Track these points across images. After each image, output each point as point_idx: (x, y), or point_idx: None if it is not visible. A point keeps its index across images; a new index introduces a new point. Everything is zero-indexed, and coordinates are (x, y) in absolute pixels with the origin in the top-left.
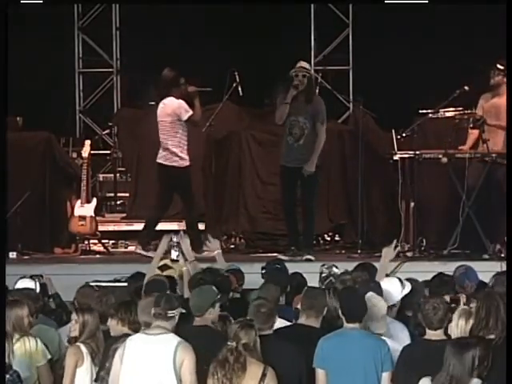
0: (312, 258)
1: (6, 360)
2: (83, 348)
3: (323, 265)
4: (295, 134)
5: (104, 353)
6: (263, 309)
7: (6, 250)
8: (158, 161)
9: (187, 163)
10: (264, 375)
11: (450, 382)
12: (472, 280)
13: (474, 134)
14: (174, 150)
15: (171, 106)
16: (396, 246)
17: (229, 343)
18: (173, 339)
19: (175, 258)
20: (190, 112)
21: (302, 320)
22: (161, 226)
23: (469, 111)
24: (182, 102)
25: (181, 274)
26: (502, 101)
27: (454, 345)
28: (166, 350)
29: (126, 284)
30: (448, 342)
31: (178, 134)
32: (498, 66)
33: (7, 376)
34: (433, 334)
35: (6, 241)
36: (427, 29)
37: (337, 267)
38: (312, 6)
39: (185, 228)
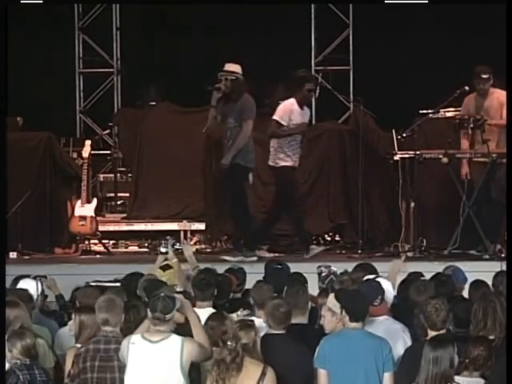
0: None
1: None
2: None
3: (319, 266)
4: (228, 135)
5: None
6: (282, 309)
7: (6, 250)
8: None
9: (284, 163)
10: (263, 374)
11: (431, 379)
12: (460, 281)
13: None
14: (272, 150)
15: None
16: (406, 259)
17: (228, 343)
18: (176, 340)
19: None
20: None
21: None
22: (161, 226)
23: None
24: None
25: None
26: (491, 103)
27: (431, 342)
28: (171, 353)
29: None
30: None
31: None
32: (482, 75)
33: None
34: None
35: (6, 241)
36: (427, 29)
37: (334, 267)
38: (312, 6)
39: (185, 228)
